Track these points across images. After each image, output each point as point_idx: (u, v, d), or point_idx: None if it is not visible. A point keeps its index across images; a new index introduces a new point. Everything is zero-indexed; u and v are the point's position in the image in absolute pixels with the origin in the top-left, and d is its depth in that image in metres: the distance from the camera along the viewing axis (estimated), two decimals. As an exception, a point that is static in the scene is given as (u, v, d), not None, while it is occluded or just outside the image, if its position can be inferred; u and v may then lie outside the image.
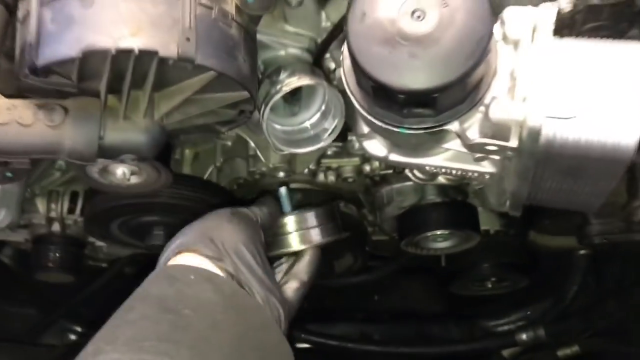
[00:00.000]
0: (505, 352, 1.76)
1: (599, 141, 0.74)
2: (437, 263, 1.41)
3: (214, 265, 0.75)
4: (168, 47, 0.70)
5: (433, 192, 1.32)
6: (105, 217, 1.19)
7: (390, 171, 1.28)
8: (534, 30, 0.80)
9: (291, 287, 0.88)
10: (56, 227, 1.41)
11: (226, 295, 0.69)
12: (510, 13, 0.81)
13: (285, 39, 0.96)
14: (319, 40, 0.99)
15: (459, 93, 0.76)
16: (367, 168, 1.32)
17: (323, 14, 0.97)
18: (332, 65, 1.00)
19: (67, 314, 1.77)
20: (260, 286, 0.76)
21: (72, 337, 1.79)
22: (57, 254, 1.44)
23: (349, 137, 1.19)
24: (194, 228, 0.83)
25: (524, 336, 1.56)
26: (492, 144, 0.77)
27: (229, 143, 1.21)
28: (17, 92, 0.78)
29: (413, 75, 0.72)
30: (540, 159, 0.80)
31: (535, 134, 0.74)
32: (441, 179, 1.12)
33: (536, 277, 1.60)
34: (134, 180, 1.00)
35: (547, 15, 0.79)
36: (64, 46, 0.69)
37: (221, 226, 0.82)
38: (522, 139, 0.76)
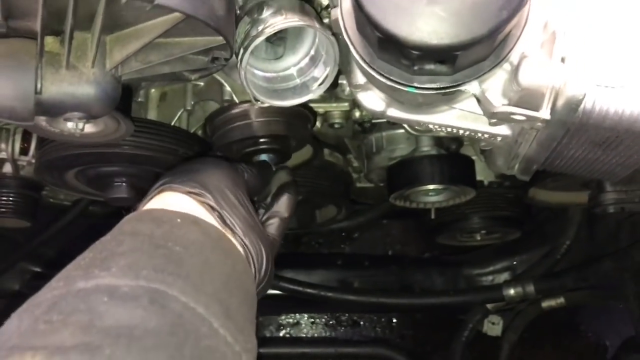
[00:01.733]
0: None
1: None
2: (423, 210, 1.31)
3: (195, 202, 0.74)
4: (119, -20, 0.54)
5: (428, 143, 1.20)
6: (59, 166, 1.04)
7: (383, 120, 1.14)
8: (577, -28, 0.65)
9: (273, 225, 0.87)
10: (8, 168, 1.27)
11: (213, 238, 0.70)
12: (548, -53, 0.66)
13: (269, -34, 0.79)
14: (310, -31, 0.83)
15: (483, 50, 0.62)
16: (356, 114, 1.19)
17: None
18: (325, 1, 0.83)
19: (27, 255, 1.65)
20: (243, 223, 0.75)
21: (33, 280, 1.67)
22: (11, 198, 1.31)
23: (339, 81, 1.04)
24: (178, 169, 0.80)
25: (511, 291, 1.49)
26: (520, 113, 0.64)
27: (201, 84, 1.05)
28: None
29: (432, 28, 0.57)
30: (572, 128, 0.68)
31: (575, 104, 0.61)
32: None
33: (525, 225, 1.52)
34: (88, 129, 0.86)
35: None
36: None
37: (206, 169, 0.79)
38: (557, 108, 0.63)
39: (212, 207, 0.73)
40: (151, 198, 0.77)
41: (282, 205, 0.90)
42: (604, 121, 0.64)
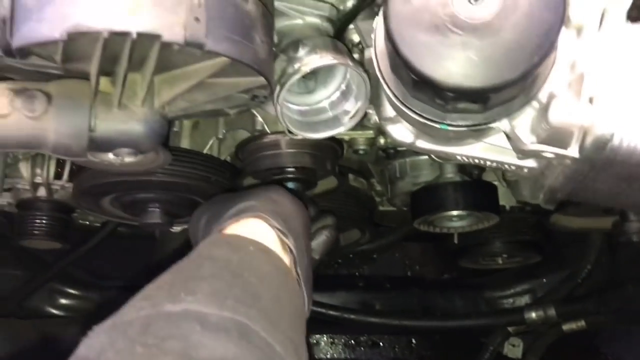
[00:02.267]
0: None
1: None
2: (445, 234, 1.33)
3: (276, 238, 0.75)
4: (173, 30, 0.57)
5: (451, 170, 1.22)
6: (96, 193, 1.08)
7: (407, 146, 1.16)
8: (603, 14, 0.68)
9: None
10: (42, 192, 1.31)
11: (282, 273, 0.71)
12: (575, -8, 0.69)
13: (303, 6, 0.83)
14: (342, 8, 0.86)
15: (515, 90, 0.65)
16: (381, 141, 1.21)
17: (348, -23, 0.84)
18: (356, 38, 0.87)
19: (57, 275, 1.68)
20: (305, 271, 0.77)
21: (62, 300, 1.70)
22: (43, 221, 1.35)
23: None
24: (258, 195, 0.82)
25: (533, 315, 1.50)
26: (550, 151, 0.66)
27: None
28: (-10, 72, 0.65)
29: (466, 71, 0.60)
30: (599, 164, 0.70)
31: (603, 142, 0.64)
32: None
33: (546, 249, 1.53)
34: (128, 160, 0.89)
35: (621, -4, 0.67)
36: (45, 25, 0.56)
37: (285, 204, 0.81)
38: (585, 146, 0.66)
39: (290, 250, 0.75)
40: (234, 222, 0.77)
41: (319, 245, 0.92)
42: (630, 158, 0.67)
